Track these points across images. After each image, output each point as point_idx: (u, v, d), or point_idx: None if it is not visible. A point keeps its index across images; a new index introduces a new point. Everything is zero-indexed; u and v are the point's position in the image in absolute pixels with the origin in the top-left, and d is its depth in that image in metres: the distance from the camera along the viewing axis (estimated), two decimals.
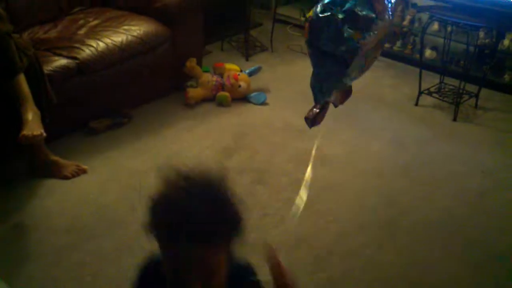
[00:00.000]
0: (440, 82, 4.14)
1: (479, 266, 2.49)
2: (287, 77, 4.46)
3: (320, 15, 1.84)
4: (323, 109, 2.12)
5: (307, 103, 4.20)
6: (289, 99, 4.07)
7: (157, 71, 3.82)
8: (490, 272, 2.46)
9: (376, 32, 1.85)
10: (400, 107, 3.98)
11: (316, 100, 2.07)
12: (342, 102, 2.12)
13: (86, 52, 3.34)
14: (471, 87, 3.96)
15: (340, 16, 1.82)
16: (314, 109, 2.09)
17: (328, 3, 1.85)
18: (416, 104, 4.00)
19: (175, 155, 3.29)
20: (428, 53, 4.34)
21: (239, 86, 3.96)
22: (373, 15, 1.82)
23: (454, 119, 3.80)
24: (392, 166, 3.22)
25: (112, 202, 2.85)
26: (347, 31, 1.81)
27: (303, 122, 3.65)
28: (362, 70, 1.96)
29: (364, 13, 1.82)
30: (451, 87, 4.08)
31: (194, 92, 3.90)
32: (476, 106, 3.99)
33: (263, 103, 3.98)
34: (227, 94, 3.93)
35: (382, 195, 2.94)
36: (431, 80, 4.15)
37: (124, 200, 2.87)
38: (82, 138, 3.41)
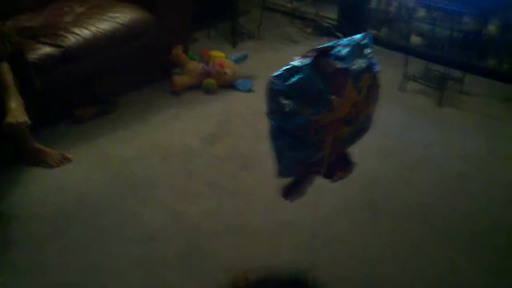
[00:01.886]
0: (425, 68, 4.16)
1: (461, 247, 2.52)
2: (275, 64, 4.40)
3: (268, 89, 1.83)
4: (299, 183, 2.07)
5: None
6: None
7: (143, 58, 3.82)
8: (471, 252, 2.49)
9: (331, 109, 1.78)
10: (385, 92, 3.93)
11: (278, 172, 2.03)
12: (339, 177, 2.06)
13: (71, 39, 3.32)
14: (456, 73, 3.99)
15: (282, 89, 1.79)
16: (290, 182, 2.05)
17: (275, 76, 1.83)
18: (401, 90, 4.03)
19: (161, 143, 3.30)
20: (414, 39, 4.36)
21: (225, 73, 3.96)
22: (323, 90, 1.77)
23: (439, 104, 3.82)
24: (375, 151, 3.23)
25: (97, 190, 2.85)
26: (289, 105, 1.79)
27: None
28: (320, 148, 1.87)
29: (312, 87, 1.78)
30: (436, 72, 4.10)
31: (180, 80, 3.90)
32: (460, 91, 4.01)
33: (250, 90, 3.98)
34: (213, 81, 3.93)
35: (366, 180, 2.96)
36: (416, 66, 4.16)
37: (110, 187, 2.88)
38: (67, 126, 3.40)
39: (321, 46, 1.84)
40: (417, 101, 3.90)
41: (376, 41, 4.51)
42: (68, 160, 3.05)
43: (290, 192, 2.12)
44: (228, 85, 4.00)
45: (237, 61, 4.15)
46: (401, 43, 4.39)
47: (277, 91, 1.84)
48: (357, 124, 1.93)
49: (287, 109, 1.81)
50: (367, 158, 3.17)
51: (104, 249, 2.46)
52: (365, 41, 1.90)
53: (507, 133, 3.51)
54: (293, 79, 1.79)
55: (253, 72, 4.22)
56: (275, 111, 1.89)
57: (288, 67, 1.82)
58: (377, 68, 1.94)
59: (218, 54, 4.12)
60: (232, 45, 4.72)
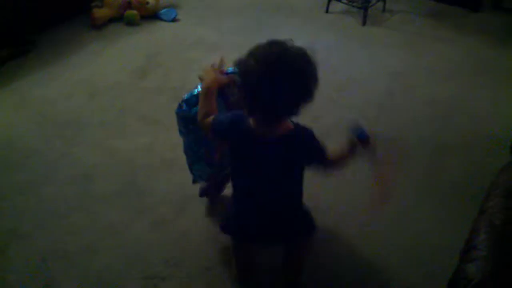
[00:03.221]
0: None
1: (390, 163, 2.63)
2: None
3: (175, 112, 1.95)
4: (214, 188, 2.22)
5: (218, 18, 4.15)
6: (201, 14, 3.99)
7: None
8: (400, 167, 2.60)
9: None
10: (311, 15, 4.00)
11: (193, 179, 2.21)
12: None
13: None
14: None
15: (188, 115, 1.90)
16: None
17: (184, 100, 1.92)
18: (327, 11, 4.03)
19: (87, 80, 3.19)
20: None
21: (147, 3, 3.82)
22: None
23: (363, 24, 3.87)
24: None
25: (24, 134, 2.75)
26: (194, 130, 1.93)
27: (217, 36, 3.62)
28: (224, 168, 2.04)
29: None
30: None
31: (100, 13, 3.73)
32: (384, 9, 4.07)
33: (174, 20, 3.88)
34: (135, 12, 3.79)
35: None
36: None
37: (37, 130, 2.78)
38: None
39: (227, 72, 1.86)
40: (342, 22, 3.93)
41: None
42: None
43: (205, 192, 2.29)
44: (151, 16, 3.87)
45: None
46: None
47: (183, 117, 1.95)
48: None
49: (192, 134, 1.97)
50: None
51: (39, 193, 2.40)
52: None
53: (429, 48, 3.62)
54: (194, 110, 1.87)
55: (175, 0, 4.10)
56: (183, 133, 2.02)
57: (197, 93, 1.88)
58: None
59: None
60: None
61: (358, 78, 3.27)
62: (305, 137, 1.63)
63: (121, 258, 2.10)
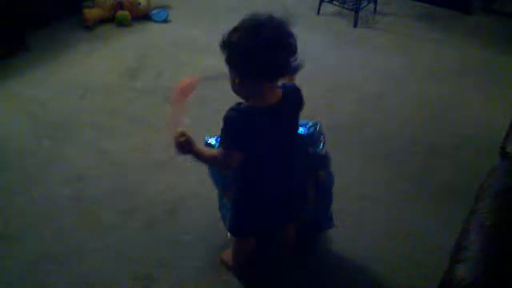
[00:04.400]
0: None
1: (381, 162, 2.65)
2: None
3: None
4: None
5: (211, 19, 4.15)
6: (193, 15, 3.99)
7: None
8: (391, 166, 2.63)
9: None
10: (302, 17, 4.00)
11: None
12: None
13: None
14: None
15: None
16: None
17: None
18: (318, 13, 4.05)
19: (77, 81, 3.18)
20: None
21: (139, 3, 3.81)
22: None
23: (355, 26, 3.88)
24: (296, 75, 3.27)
25: (15, 134, 2.73)
26: None
27: (208, 37, 3.62)
28: None
29: None
30: None
31: (91, 13, 3.72)
32: (375, 11, 4.09)
33: (166, 20, 3.87)
34: (126, 13, 3.78)
35: None
36: None
37: (28, 130, 2.76)
38: None
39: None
40: (334, 24, 3.95)
41: None
42: None
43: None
44: (143, 16, 3.86)
45: None
46: None
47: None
48: None
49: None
50: None
51: (30, 194, 2.38)
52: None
53: (420, 50, 3.64)
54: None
55: (167, 1, 4.09)
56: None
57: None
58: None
59: None
60: None
61: (350, 80, 3.28)
62: (294, 87, 1.74)
63: (112, 259, 2.09)
